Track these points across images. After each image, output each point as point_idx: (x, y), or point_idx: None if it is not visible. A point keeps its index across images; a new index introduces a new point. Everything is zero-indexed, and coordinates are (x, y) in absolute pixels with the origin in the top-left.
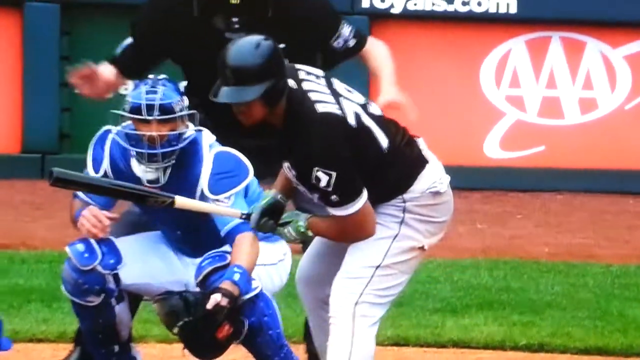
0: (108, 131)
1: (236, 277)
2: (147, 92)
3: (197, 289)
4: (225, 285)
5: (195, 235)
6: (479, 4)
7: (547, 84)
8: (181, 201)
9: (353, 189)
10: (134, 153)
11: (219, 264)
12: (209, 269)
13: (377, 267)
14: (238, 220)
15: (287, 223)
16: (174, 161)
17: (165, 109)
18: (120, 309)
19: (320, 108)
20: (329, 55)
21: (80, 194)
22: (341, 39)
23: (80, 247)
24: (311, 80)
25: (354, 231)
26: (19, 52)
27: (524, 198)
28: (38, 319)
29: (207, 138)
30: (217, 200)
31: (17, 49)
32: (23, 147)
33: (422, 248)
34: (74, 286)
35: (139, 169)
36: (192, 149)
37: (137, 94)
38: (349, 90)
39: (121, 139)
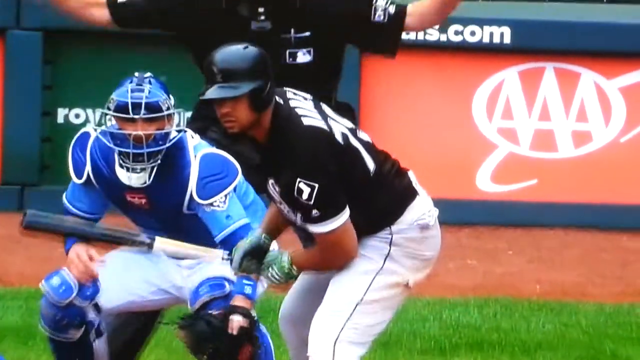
0: (87, 134)
1: (247, 290)
2: (133, 90)
3: (188, 289)
4: (240, 302)
5: (181, 236)
6: (473, 33)
7: (540, 116)
8: (160, 244)
9: (335, 203)
10: (118, 153)
11: (217, 295)
12: (207, 299)
13: (358, 302)
14: (237, 224)
15: (271, 263)
16: (159, 161)
17: (152, 108)
18: (98, 345)
19: (306, 121)
20: (380, 36)
21: (68, 205)
22: (380, 11)
23: (56, 281)
24: (298, 100)
25: (335, 252)
26: (0, 81)
27: (516, 233)
28: (13, 358)
29: (192, 140)
30: (212, 204)
31: None
32: (2, 178)
33: (406, 285)
34: (53, 322)
35: (124, 175)
36: (179, 153)
37: (123, 92)
38: (337, 115)
39: (105, 139)
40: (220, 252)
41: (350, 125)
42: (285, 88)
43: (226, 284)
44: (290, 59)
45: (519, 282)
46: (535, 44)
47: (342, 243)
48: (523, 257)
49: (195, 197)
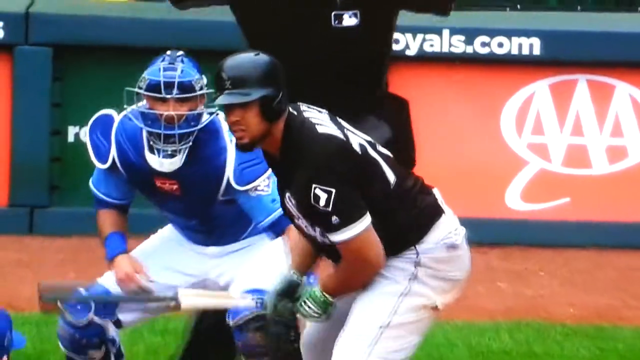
0: (109, 117)
1: None
2: (166, 69)
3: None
4: None
5: (211, 222)
6: (500, 44)
7: (573, 130)
8: (187, 301)
9: (354, 208)
10: (148, 134)
11: (260, 313)
12: (250, 316)
13: (384, 326)
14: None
15: (304, 297)
16: (190, 143)
17: (185, 87)
18: None
19: (320, 129)
20: None
21: (95, 191)
22: None
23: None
24: (312, 112)
25: (360, 261)
26: (9, 98)
27: (548, 254)
28: None
29: (226, 123)
30: (256, 188)
31: (7, 95)
32: (10, 200)
33: (434, 307)
34: (72, 342)
35: (155, 161)
36: (213, 137)
37: (155, 71)
38: (355, 129)
39: (136, 119)
40: (249, 297)
41: (369, 138)
42: (298, 103)
43: None
44: (336, 22)
45: (551, 305)
46: (566, 55)
47: (367, 250)
48: (555, 279)
49: (232, 183)
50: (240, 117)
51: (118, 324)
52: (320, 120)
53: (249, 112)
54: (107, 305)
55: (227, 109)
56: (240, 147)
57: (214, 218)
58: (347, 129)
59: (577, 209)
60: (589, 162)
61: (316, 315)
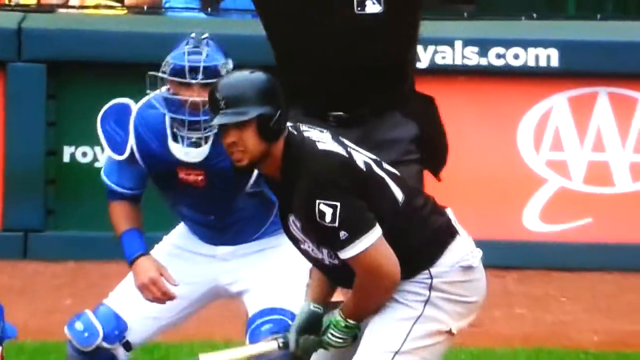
0: (124, 106)
1: None
2: (190, 53)
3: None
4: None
5: (230, 217)
6: (516, 56)
7: (594, 146)
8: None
9: (362, 220)
10: (172, 120)
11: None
12: (270, 339)
13: (396, 352)
14: None
15: (327, 328)
16: (216, 130)
17: (210, 72)
18: None
19: (321, 146)
20: None
21: (107, 181)
22: None
23: (79, 326)
24: (313, 131)
25: (375, 276)
26: (1, 117)
27: (569, 278)
28: None
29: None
30: None
31: None
32: (4, 224)
33: (449, 332)
34: None
35: (180, 151)
36: None
37: (179, 55)
38: (360, 148)
39: (159, 105)
40: (272, 340)
41: (374, 157)
42: (298, 123)
43: (290, 322)
44: (359, 9)
45: (573, 332)
46: (586, 66)
47: (380, 263)
48: (577, 304)
49: None
50: (237, 138)
51: (127, 346)
52: (321, 138)
53: (245, 132)
54: (119, 327)
55: (223, 130)
56: (239, 170)
57: (234, 212)
58: (351, 147)
59: (600, 230)
60: (612, 180)
61: (342, 342)
